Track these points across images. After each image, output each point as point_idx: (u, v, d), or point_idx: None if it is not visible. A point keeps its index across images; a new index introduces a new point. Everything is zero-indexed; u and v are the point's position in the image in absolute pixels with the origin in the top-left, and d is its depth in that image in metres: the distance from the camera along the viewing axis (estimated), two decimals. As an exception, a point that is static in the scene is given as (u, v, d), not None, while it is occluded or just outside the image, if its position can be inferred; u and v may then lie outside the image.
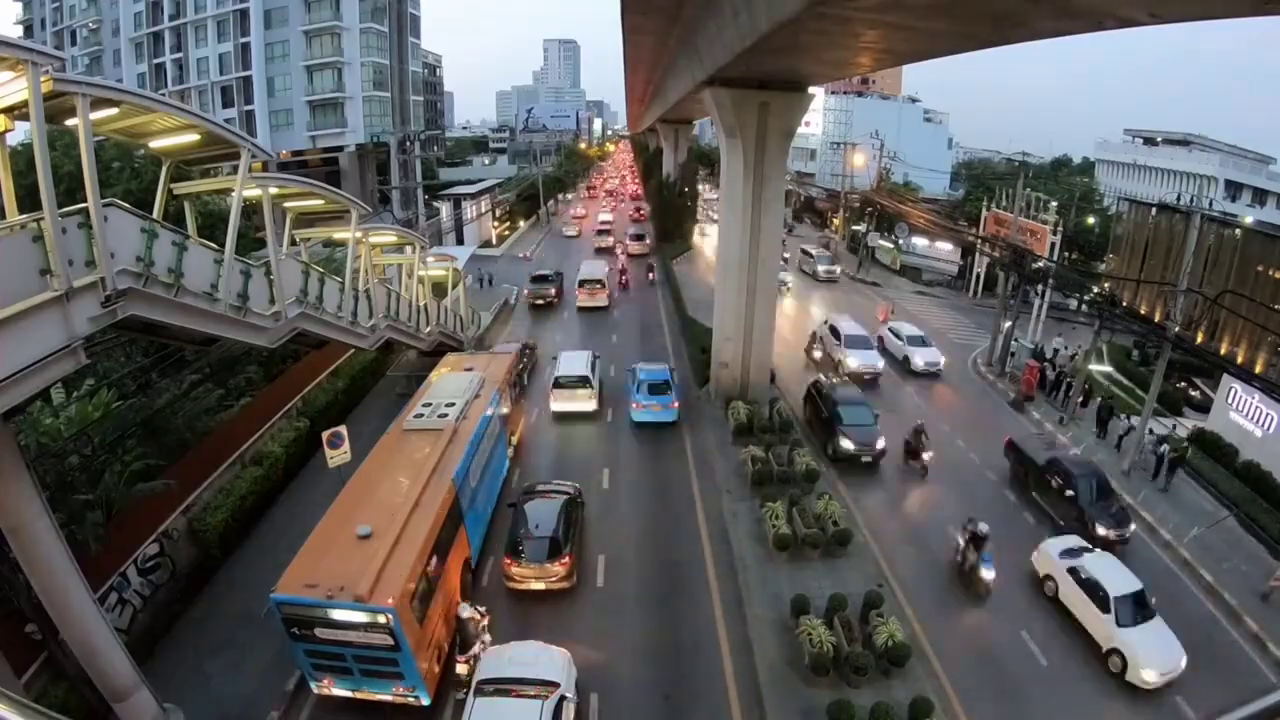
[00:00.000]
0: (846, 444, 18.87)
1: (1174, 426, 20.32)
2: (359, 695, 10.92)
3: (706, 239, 50.59)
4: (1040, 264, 28.59)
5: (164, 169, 11.47)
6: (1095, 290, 26.64)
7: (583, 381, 21.76)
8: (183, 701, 11.01)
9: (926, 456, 18.85)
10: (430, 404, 16.18)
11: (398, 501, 12.16)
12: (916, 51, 15.24)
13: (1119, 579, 13.20)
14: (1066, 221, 36.73)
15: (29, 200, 8.33)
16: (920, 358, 25.66)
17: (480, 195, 54.36)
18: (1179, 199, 36.40)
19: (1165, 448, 19.30)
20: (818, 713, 10.88)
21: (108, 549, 12.20)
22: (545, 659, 10.72)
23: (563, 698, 9.98)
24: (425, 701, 10.89)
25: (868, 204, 51.94)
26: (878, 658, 11.79)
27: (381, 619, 9.88)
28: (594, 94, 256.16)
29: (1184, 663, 12.04)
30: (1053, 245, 31.08)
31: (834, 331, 27.24)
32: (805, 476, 17.50)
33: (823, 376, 22.96)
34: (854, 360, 25.05)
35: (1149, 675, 11.80)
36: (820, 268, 42.14)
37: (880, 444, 18.95)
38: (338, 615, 10.01)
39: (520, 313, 35.09)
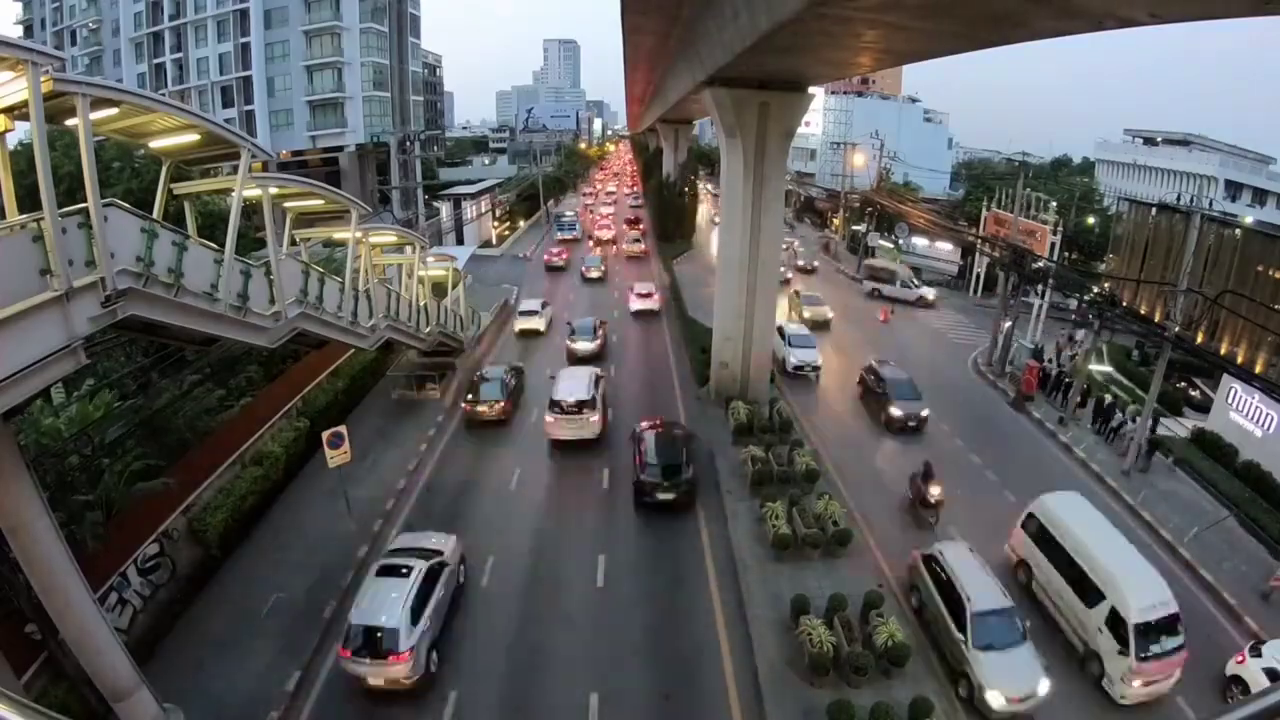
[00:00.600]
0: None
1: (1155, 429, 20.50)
2: (565, 238, 53.11)
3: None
4: (1040, 264, 28.61)
5: (164, 169, 11.46)
6: (1095, 290, 26.61)
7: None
8: (183, 701, 11.01)
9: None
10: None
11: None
12: (916, 51, 15.24)
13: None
14: (1066, 221, 36.75)
15: (29, 200, 8.33)
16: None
17: (480, 195, 54.38)
18: (1179, 199, 36.39)
19: (1134, 423, 20.05)
20: (818, 713, 10.88)
21: (108, 549, 12.20)
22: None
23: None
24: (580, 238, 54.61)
25: (868, 204, 51.96)
26: (878, 658, 11.78)
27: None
28: (594, 94, 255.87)
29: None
30: (1053, 245, 31.10)
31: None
32: (805, 476, 17.49)
33: None
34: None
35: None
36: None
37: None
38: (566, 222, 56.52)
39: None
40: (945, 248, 45.15)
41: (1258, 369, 19.63)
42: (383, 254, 20.62)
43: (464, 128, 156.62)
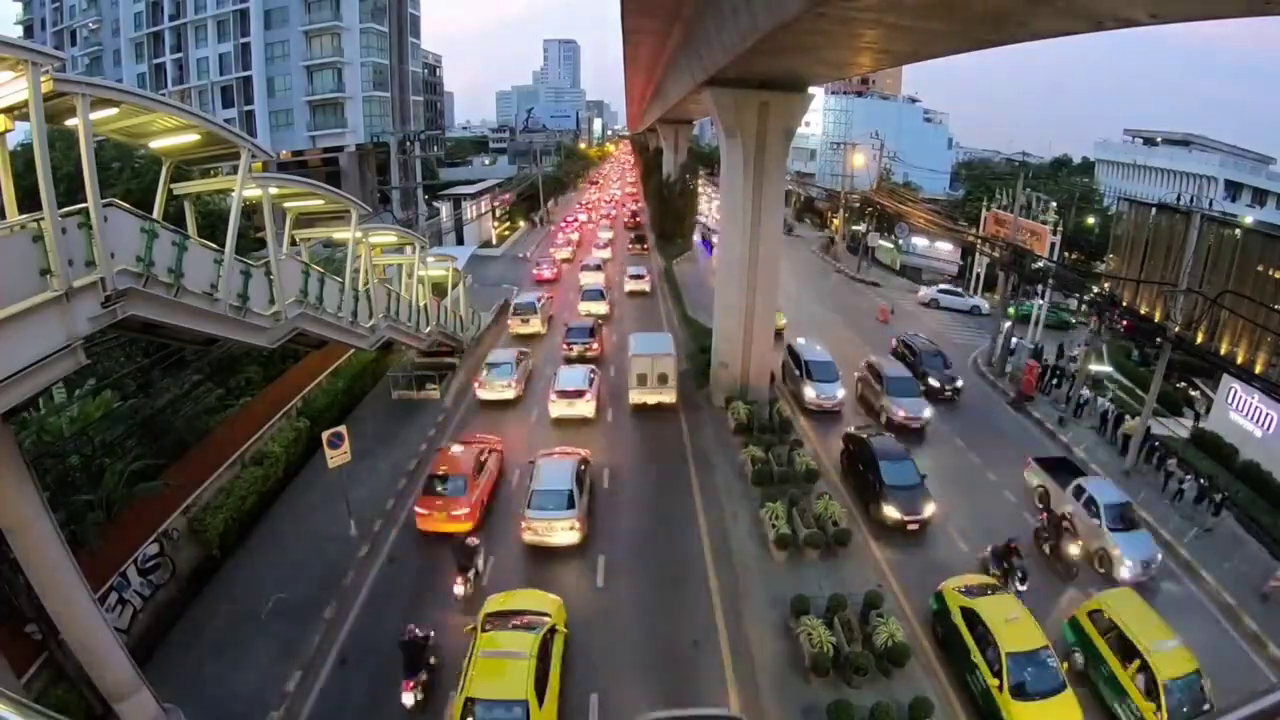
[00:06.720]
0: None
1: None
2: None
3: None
4: (1040, 264, 28.63)
5: (164, 169, 11.45)
6: (1095, 290, 26.63)
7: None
8: (183, 701, 11.00)
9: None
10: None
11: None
12: (916, 51, 15.24)
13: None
14: (1066, 222, 36.76)
15: (29, 200, 8.32)
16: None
17: (480, 195, 54.41)
18: (1179, 199, 36.41)
19: (1109, 405, 21.37)
20: (818, 713, 10.89)
21: (108, 549, 12.19)
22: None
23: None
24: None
25: (868, 204, 51.97)
26: (878, 658, 11.78)
27: None
28: (594, 94, 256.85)
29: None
30: (1053, 245, 31.10)
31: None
32: (805, 476, 17.50)
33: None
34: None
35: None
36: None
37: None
38: None
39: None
40: (945, 248, 45.17)
41: (1258, 369, 19.63)
42: (383, 254, 20.62)
43: (464, 128, 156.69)
